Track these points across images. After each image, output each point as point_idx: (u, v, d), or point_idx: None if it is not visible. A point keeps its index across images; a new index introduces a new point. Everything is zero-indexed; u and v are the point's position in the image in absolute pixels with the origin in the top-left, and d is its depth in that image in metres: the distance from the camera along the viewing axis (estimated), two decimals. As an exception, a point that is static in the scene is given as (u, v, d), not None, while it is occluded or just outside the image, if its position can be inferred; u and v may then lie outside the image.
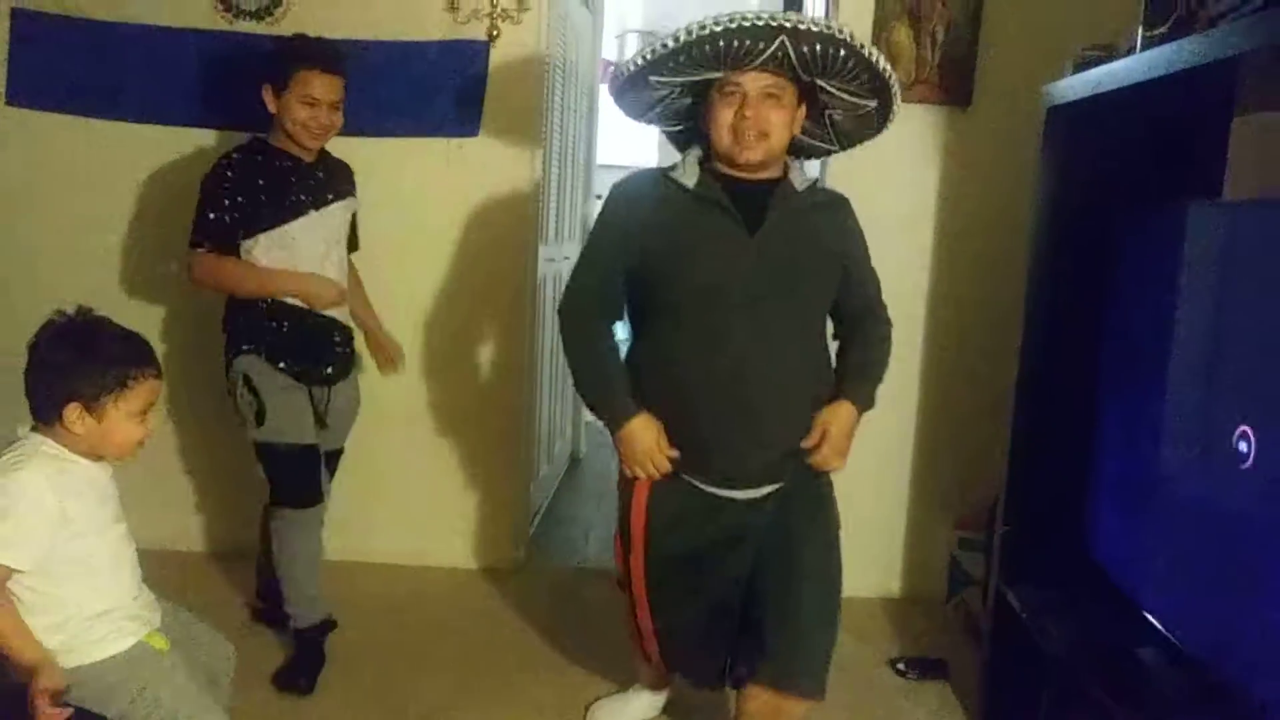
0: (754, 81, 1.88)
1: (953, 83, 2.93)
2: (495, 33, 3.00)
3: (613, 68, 2.04)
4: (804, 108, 1.97)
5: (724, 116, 1.91)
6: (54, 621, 1.61)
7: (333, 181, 2.56)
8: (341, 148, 2.77)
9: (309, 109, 2.42)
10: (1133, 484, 2.03)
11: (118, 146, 3.13)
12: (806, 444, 1.97)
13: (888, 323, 2.13)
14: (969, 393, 3.08)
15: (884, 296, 2.15)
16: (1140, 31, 1.93)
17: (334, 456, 2.69)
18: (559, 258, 3.86)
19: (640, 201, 2.01)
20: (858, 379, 2.05)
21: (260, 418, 2.44)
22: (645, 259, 1.97)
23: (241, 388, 2.45)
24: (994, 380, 2.94)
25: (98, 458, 1.67)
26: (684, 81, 1.95)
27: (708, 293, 1.92)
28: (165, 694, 1.67)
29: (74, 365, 1.60)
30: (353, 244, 2.74)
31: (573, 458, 4.67)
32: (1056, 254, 2.25)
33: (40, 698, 1.51)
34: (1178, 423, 1.89)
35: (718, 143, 1.94)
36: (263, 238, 2.43)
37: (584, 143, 4.35)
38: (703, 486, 2.00)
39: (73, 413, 1.59)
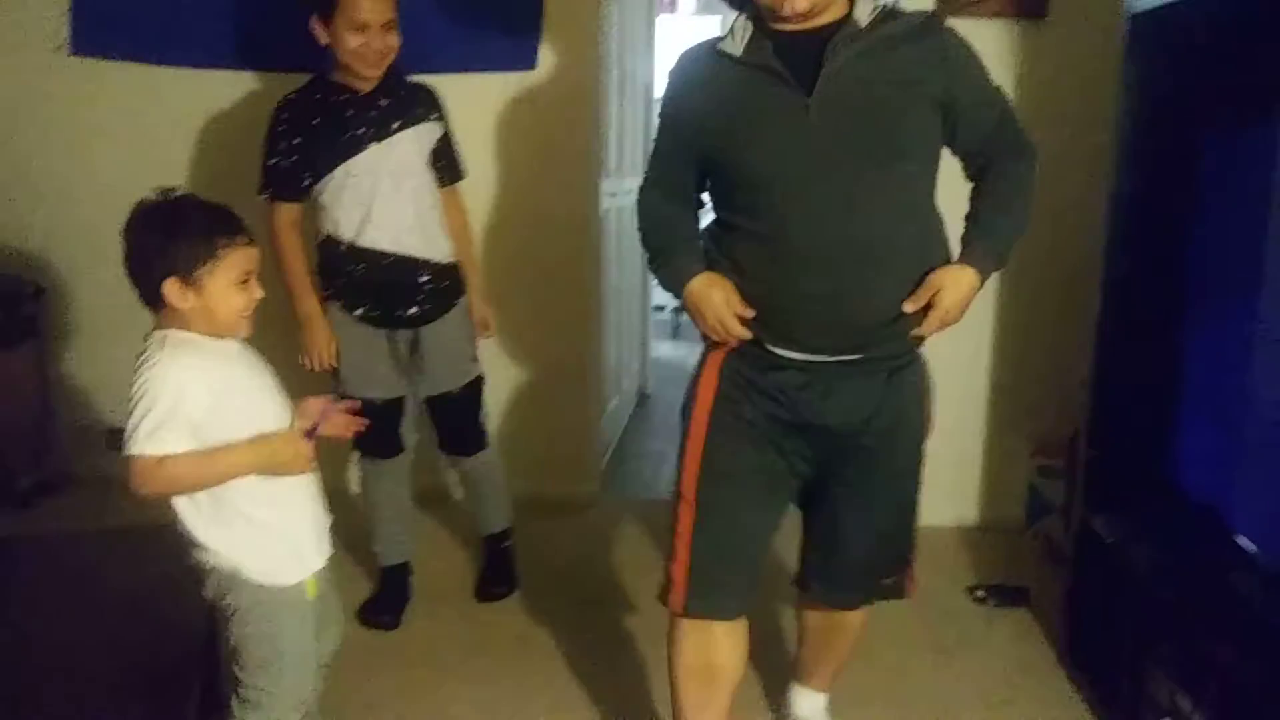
0: None
1: (1028, -8, 2.81)
2: (551, -39, 2.93)
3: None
4: None
5: None
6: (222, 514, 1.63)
7: (400, 108, 2.39)
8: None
9: (359, 34, 2.28)
10: (1224, 405, 1.96)
11: (184, 93, 3.15)
12: (910, 307, 1.68)
13: (1023, 155, 1.78)
14: (1045, 318, 3.01)
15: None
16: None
17: (444, 400, 2.56)
18: (621, 191, 3.83)
19: (692, 83, 1.78)
20: (978, 236, 1.73)
21: (335, 373, 2.44)
22: (706, 143, 1.76)
23: None
24: (1071, 304, 2.87)
25: (218, 336, 1.65)
26: None
27: (771, 170, 1.67)
28: (287, 646, 1.68)
29: (163, 241, 1.60)
30: (452, 172, 2.57)
31: (640, 394, 4.68)
32: (1141, 167, 2.16)
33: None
34: (1271, 339, 1.82)
35: None
36: (328, 180, 2.35)
37: (643, 72, 4.28)
38: (784, 352, 1.73)
39: (172, 288, 1.59)
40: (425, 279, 2.44)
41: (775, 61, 1.66)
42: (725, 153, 1.73)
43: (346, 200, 2.35)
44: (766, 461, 1.79)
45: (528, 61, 3.02)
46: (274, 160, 2.37)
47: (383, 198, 2.35)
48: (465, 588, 2.77)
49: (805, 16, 1.64)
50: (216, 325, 1.64)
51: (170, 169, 3.19)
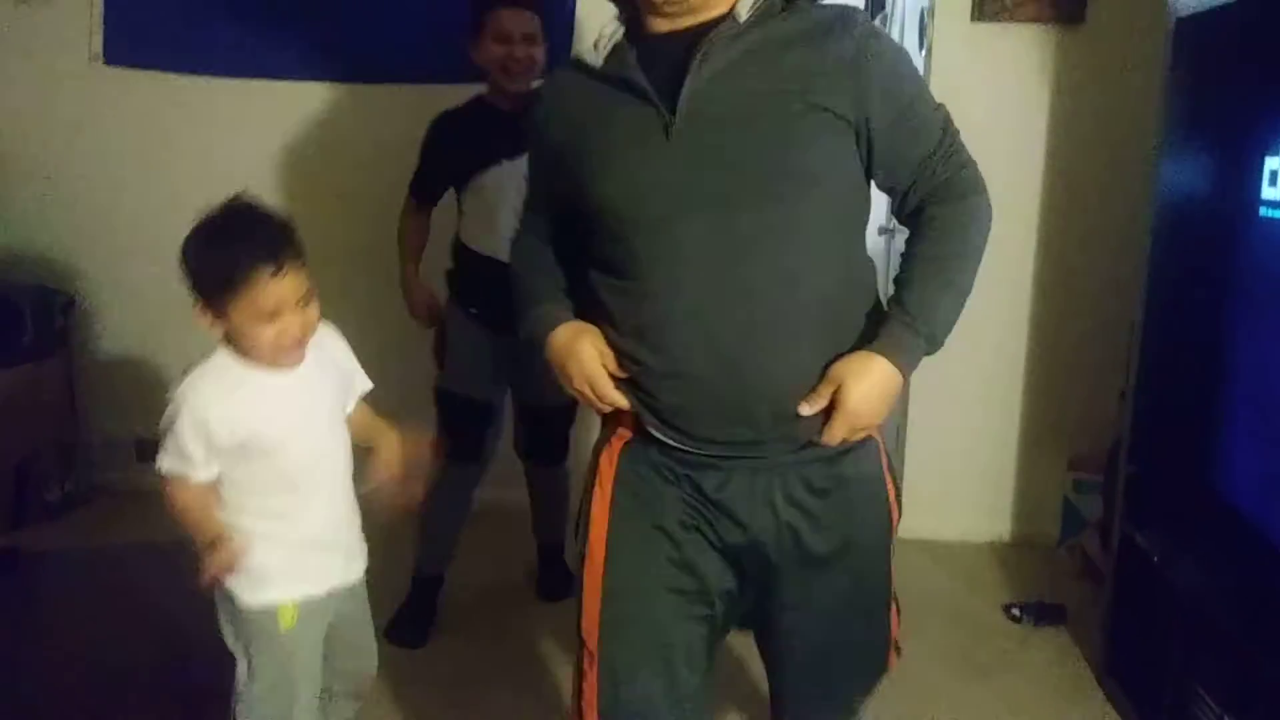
0: None
1: None
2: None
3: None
4: None
5: None
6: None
7: None
8: (438, 97, 2.71)
9: (503, 46, 2.38)
10: (1272, 416, 1.91)
11: (216, 103, 3.16)
12: (805, 410, 1.31)
13: (965, 195, 1.37)
14: (1078, 330, 2.96)
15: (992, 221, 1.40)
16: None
17: (538, 409, 2.61)
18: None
19: (550, 103, 1.46)
20: (902, 315, 1.34)
21: (440, 362, 2.57)
22: (561, 176, 1.43)
23: (440, 333, 2.58)
24: (1107, 315, 2.83)
25: (283, 362, 1.58)
26: None
27: (629, 208, 1.33)
28: (258, 670, 1.64)
29: (191, 265, 1.53)
30: None
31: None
32: (1185, 174, 2.12)
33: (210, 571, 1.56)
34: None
35: None
36: (464, 192, 2.49)
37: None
38: (673, 444, 1.37)
39: (202, 316, 1.53)
40: None
41: (634, 72, 1.32)
42: (579, 188, 1.38)
43: (473, 209, 2.49)
44: (684, 594, 1.41)
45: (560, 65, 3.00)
46: (418, 169, 2.57)
47: (506, 211, 2.37)
48: (489, 605, 2.75)
49: (682, 5, 1.31)
50: (256, 356, 1.56)
51: (202, 180, 3.19)
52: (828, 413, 1.32)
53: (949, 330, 1.37)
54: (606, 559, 1.43)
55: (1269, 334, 1.93)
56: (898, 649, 1.57)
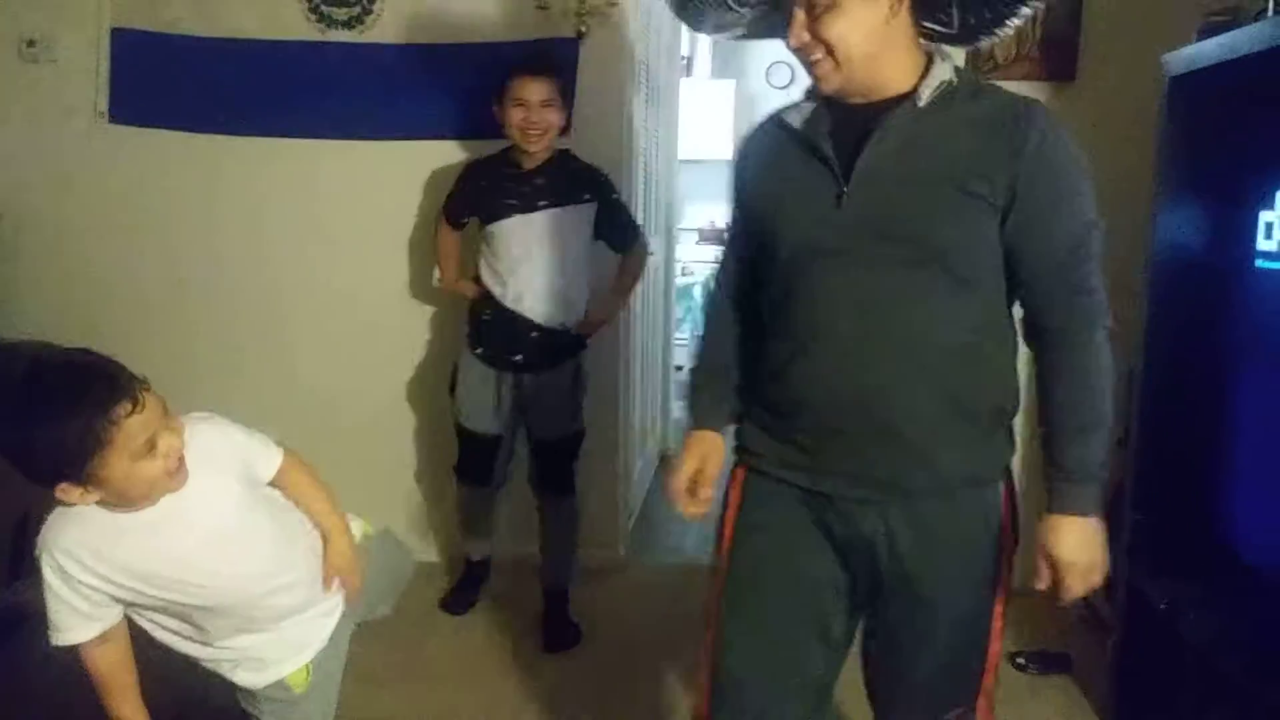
0: None
1: (1056, 56, 2.84)
2: (584, 29, 2.99)
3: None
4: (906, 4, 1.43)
5: (790, 43, 1.43)
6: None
7: (552, 189, 2.69)
8: (434, 151, 2.80)
9: (521, 110, 2.60)
10: (1275, 464, 1.94)
11: (215, 159, 3.19)
12: (1039, 586, 1.45)
13: (1093, 324, 1.42)
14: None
15: None
16: (1273, -6, 1.85)
17: (540, 445, 2.83)
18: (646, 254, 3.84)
19: (752, 154, 1.62)
20: (1057, 469, 1.44)
21: (453, 394, 2.82)
22: (752, 223, 1.59)
23: (454, 372, 2.84)
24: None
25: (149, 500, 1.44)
26: None
27: (799, 262, 1.48)
28: None
29: (26, 453, 1.33)
30: (615, 242, 2.84)
31: (662, 455, 4.65)
32: (1179, 230, 2.17)
33: None
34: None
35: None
36: (483, 233, 2.74)
37: (666, 138, 4.33)
38: (796, 483, 1.52)
39: (71, 494, 1.36)
40: (535, 334, 2.72)
41: (824, 140, 1.46)
42: (767, 238, 1.54)
43: (488, 254, 2.73)
44: (797, 578, 1.54)
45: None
46: (452, 188, 2.84)
47: (514, 261, 2.69)
48: (495, 650, 2.72)
49: (846, 94, 1.45)
50: (132, 502, 1.42)
51: (201, 238, 3.22)
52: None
53: (1105, 460, 1.44)
54: (731, 554, 1.59)
55: (1268, 382, 1.97)
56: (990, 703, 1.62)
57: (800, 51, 1.42)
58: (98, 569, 1.42)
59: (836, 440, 1.47)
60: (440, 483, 3.25)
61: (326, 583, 1.66)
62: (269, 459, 1.61)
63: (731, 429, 1.66)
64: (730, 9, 1.55)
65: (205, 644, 1.59)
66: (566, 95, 2.78)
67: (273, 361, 3.25)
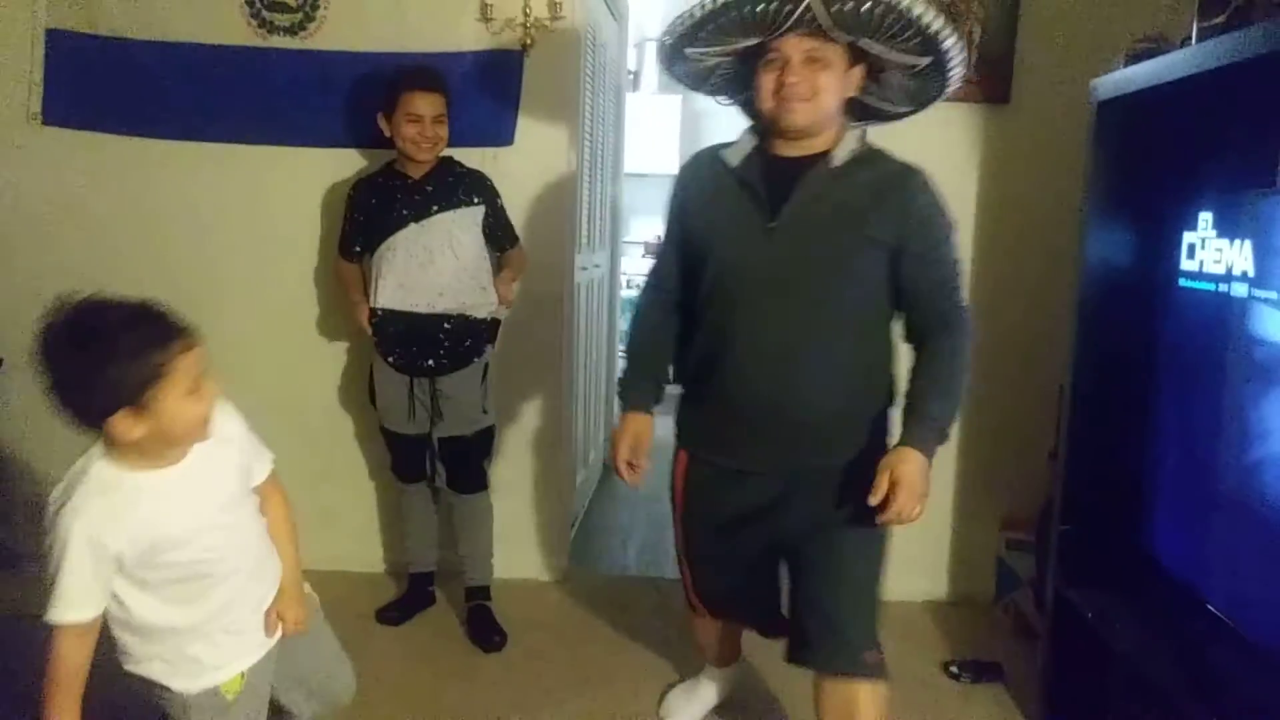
0: (794, 46, 1.80)
1: (991, 79, 2.91)
2: (529, 42, 2.99)
3: (654, 41, 2.05)
4: (860, 69, 1.88)
5: (766, 83, 1.84)
6: (146, 640, 1.60)
7: (441, 193, 2.76)
8: (377, 160, 2.81)
9: (415, 125, 2.68)
10: (1196, 478, 2.00)
11: (153, 163, 3.14)
12: (873, 500, 1.77)
13: (955, 331, 1.88)
14: (1010, 393, 3.06)
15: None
16: (1195, 22, 1.91)
17: (453, 442, 2.88)
18: (591, 265, 3.85)
19: (691, 180, 2.02)
20: (915, 416, 1.84)
21: (374, 402, 2.91)
22: (688, 238, 1.99)
23: (371, 378, 2.91)
24: (1036, 382, 2.93)
25: (173, 454, 1.54)
26: (725, 50, 1.89)
27: (730, 278, 1.90)
28: None
29: (96, 374, 1.41)
30: (502, 242, 2.90)
31: (605, 465, 4.66)
32: (1109, 249, 2.23)
33: None
34: (1239, 414, 1.87)
35: (763, 109, 1.87)
36: (377, 252, 2.77)
37: (612, 151, 4.35)
38: (724, 464, 2.00)
39: (123, 423, 1.43)
40: (444, 336, 2.78)
41: (759, 181, 1.88)
42: (701, 253, 1.94)
43: (385, 268, 2.76)
44: (734, 543, 2.05)
45: (507, 137, 3.06)
46: (344, 228, 2.88)
47: (418, 266, 2.74)
48: (430, 661, 2.71)
49: (803, 132, 1.85)
50: (175, 443, 1.52)
51: (139, 243, 3.16)
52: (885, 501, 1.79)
53: (950, 429, 1.86)
54: (684, 502, 2.11)
55: (1189, 397, 2.03)
56: (879, 649, 1.96)
57: (790, 88, 1.80)
58: (119, 536, 1.48)
59: (756, 432, 1.91)
60: (383, 488, 3.26)
61: (268, 621, 1.72)
62: (263, 463, 1.74)
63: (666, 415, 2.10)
64: (698, 61, 1.92)
65: (173, 631, 1.60)
66: (453, 108, 2.80)
67: (214, 366, 3.20)
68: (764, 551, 2.05)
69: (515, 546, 3.26)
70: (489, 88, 3.04)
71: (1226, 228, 1.91)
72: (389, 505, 3.29)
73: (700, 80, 2.02)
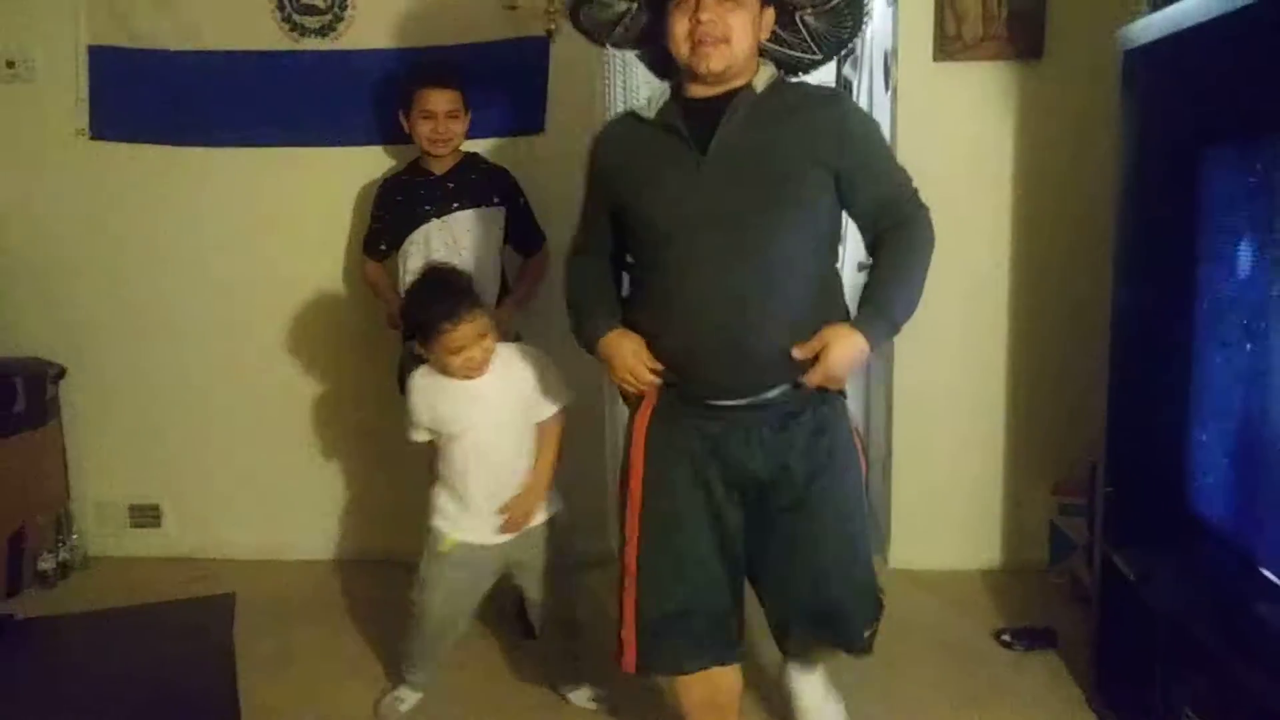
0: None
1: (1022, 35, 2.84)
2: (554, 27, 3.00)
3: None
4: (770, 11, 1.85)
5: (679, 27, 1.77)
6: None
7: (463, 190, 2.79)
8: (409, 155, 2.84)
9: (428, 122, 2.73)
10: (1240, 435, 1.95)
11: (195, 171, 3.22)
12: (797, 353, 1.76)
13: (916, 224, 1.85)
14: (1059, 354, 3.00)
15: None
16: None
17: None
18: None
19: (608, 144, 1.97)
20: (871, 306, 1.81)
21: (403, 392, 2.80)
22: (615, 199, 1.92)
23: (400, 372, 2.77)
24: (1085, 339, 2.86)
25: (460, 377, 2.20)
26: None
27: (666, 221, 1.82)
28: (430, 588, 2.32)
29: (408, 315, 2.29)
30: (524, 245, 2.92)
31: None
32: (1144, 201, 2.16)
33: None
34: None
35: (678, 56, 1.81)
36: (404, 247, 2.80)
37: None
38: (697, 398, 1.85)
39: (420, 348, 2.22)
40: None
41: (679, 122, 1.81)
42: (629, 205, 1.88)
43: (411, 264, 2.76)
44: (705, 516, 1.88)
45: (536, 125, 3.08)
46: (370, 225, 2.93)
47: (438, 259, 2.69)
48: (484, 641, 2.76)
49: (720, 77, 1.79)
50: (445, 373, 2.22)
51: (191, 249, 3.25)
52: (811, 362, 1.77)
53: (907, 318, 1.83)
54: (643, 496, 1.90)
55: (1232, 355, 1.97)
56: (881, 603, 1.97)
57: (705, 27, 1.73)
58: (426, 399, 2.29)
59: (717, 366, 1.81)
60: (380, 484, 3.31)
61: (503, 509, 2.31)
62: (545, 410, 2.31)
63: None
64: (604, 5, 1.89)
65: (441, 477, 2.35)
66: (481, 98, 2.85)
67: (271, 369, 3.29)
68: (736, 528, 1.90)
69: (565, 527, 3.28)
70: (516, 76, 3.06)
71: (1264, 174, 1.85)
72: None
73: (606, 30, 1.96)
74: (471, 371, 2.20)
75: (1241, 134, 1.94)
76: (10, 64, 3.19)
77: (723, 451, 1.86)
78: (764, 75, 1.84)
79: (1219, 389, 2.03)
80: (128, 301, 3.30)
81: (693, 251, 1.79)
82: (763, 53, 1.89)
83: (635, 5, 1.89)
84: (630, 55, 3.70)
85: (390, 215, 2.85)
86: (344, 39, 3.11)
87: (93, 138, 3.22)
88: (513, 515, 2.31)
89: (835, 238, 1.91)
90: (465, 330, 2.14)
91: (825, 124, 1.81)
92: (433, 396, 2.26)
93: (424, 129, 2.73)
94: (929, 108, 2.95)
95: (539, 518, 2.35)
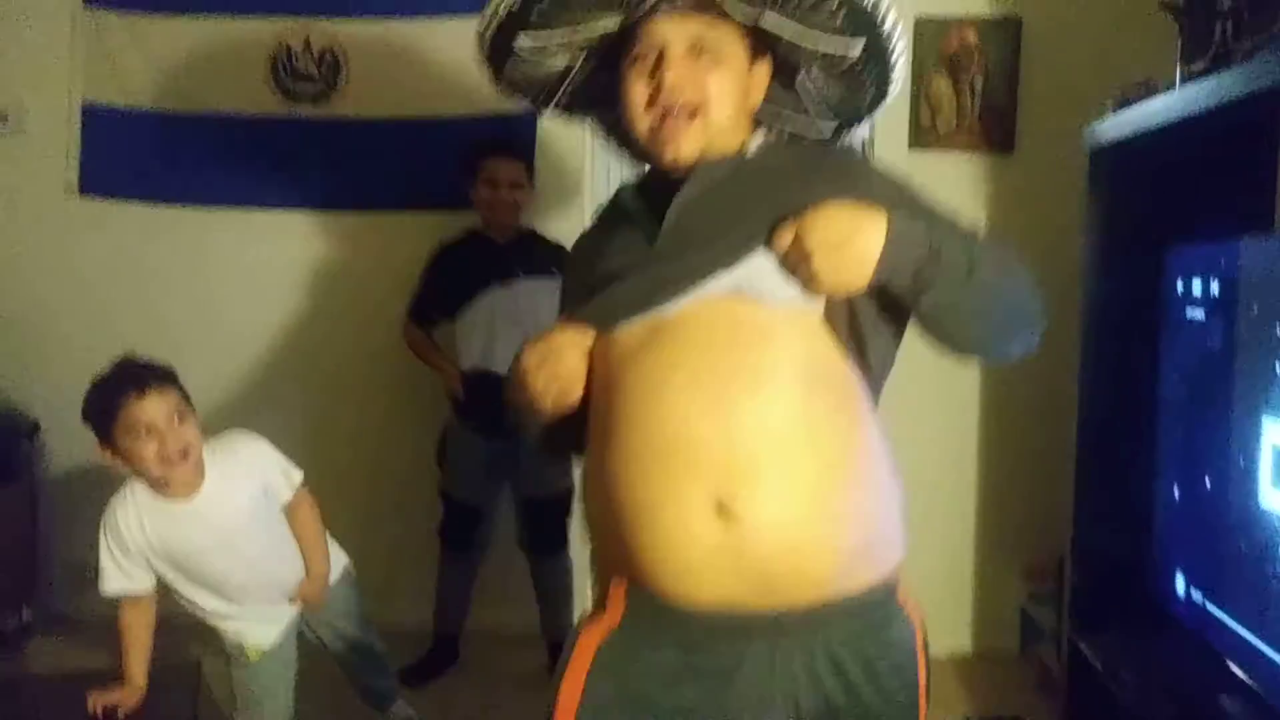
0: (673, 29, 1.23)
1: (994, 130, 2.93)
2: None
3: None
4: (765, 67, 1.31)
5: (635, 91, 1.25)
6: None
7: (523, 259, 2.80)
8: (399, 223, 2.95)
9: (491, 190, 2.76)
10: (1205, 527, 1.97)
11: (184, 230, 3.24)
12: (780, 240, 1.17)
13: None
14: (1030, 442, 3.03)
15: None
16: (1179, 67, 1.93)
17: (534, 504, 2.89)
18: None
19: (576, 252, 1.47)
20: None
21: (441, 467, 2.93)
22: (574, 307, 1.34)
23: (441, 441, 2.92)
24: (1055, 427, 2.90)
25: (178, 487, 1.89)
26: (572, 40, 1.29)
27: (608, 327, 1.25)
28: (255, 701, 2.11)
29: (87, 416, 1.85)
30: None
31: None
32: (1110, 296, 2.23)
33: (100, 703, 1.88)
34: (1247, 461, 1.84)
35: (634, 133, 1.27)
36: (460, 317, 2.81)
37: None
38: (662, 604, 1.18)
39: (106, 457, 1.85)
40: None
41: (635, 202, 1.31)
42: (587, 299, 1.30)
43: (468, 331, 2.81)
44: None
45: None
46: (419, 290, 2.90)
47: (499, 328, 2.77)
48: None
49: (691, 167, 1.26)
50: (150, 477, 1.86)
51: (171, 309, 3.26)
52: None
53: (953, 268, 1.21)
54: (587, 685, 1.20)
55: (1195, 448, 2.01)
56: None
57: (670, 93, 1.22)
58: (137, 539, 1.90)
59: (692, 556, 1.16)
60: (395, 551, 3.25)
61: (295, 599, 2.14)
62: (285, 490, 2.06)
63: None
64: (535, 59, 1.31)
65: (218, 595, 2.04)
66: (531, 173, 2.88)
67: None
68: None
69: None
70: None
71: (1224, 273, 1.90)
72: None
73: (542, 90, 1.39)
74: (171, 469, 1.84)
75: (1206, 232, 2.00)
76: (3, 117, 3.23)
77: (727, 692, 1.20)
78: (759, 139, 1.33)
79: (1184, 482, 2.06)
80: (107, 359, 3.28)
81: (644, 378, 1.21)
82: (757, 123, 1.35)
83: (580, 60, 1.34)
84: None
85: (446, 281, 2.84)
86: (337, 107, 3.17)
87: (82, 194, 3.25)
88: (311, 600, 2.15)
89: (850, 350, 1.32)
90: (153, 403, 1.81)
91: (839, 176, 1.26)
92: (158, 525, 1.90)
93: (484, 194, 2.77)
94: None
95: (332, 578, 2.20)
